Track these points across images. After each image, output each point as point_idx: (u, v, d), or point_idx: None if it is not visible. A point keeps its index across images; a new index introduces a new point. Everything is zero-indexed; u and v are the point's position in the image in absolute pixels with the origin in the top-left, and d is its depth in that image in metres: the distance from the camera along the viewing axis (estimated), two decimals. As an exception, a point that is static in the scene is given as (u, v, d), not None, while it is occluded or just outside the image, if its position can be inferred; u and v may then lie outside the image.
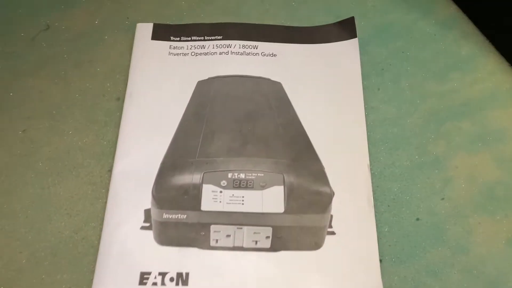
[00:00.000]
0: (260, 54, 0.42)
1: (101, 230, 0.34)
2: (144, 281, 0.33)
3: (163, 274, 0.33)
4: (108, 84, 0.41)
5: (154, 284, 0.33)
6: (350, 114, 0.39)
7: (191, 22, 0.44)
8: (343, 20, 0.43)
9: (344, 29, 0.43)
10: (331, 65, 0.41)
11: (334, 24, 0.43)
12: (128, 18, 0.44)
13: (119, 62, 0.42)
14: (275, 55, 0.42)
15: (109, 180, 0.36)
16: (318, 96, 0.40)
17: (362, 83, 0.41)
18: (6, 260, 0.34)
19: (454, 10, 0.45)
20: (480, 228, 0.35)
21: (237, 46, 0.42)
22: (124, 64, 0.42)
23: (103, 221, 0.35)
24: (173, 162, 0.37)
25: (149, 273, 0.33)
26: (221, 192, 0.36)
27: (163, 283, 0.33)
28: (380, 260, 0.34)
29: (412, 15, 0.44)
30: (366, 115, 0.39)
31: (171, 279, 0.33)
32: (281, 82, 0.41)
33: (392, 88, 0.41)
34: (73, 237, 0.35)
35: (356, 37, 0.42)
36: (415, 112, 0.40)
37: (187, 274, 0.33)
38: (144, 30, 0.43)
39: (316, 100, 0.40)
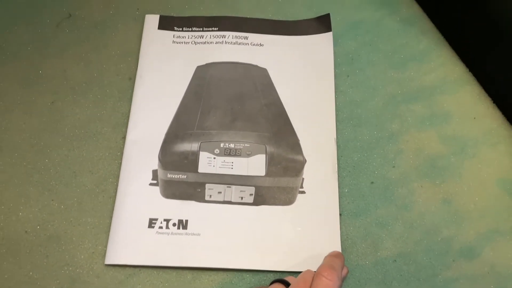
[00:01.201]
0: (249, 44, 0.49)
1: (117, 185, 0.42)
2: (152, 225, 0.41)
3: (167, 220, 0.41)
4: (121, 66, 0.48)
5: (160, 227, 0.41)
6: (322, 96, 0.47)
7: (192, 14, 0.50)
8: (320, 16, 0.50)
9: (321, 23, 0.50)
10: (309, 54, 0.49)
11: (313, 19, 0.50)
12: (138, 9, 0.51)
13: (131, 47, 0.49)
14: (262, 45, 0.49)
15: (123, 145, 0.44)
16: (297, 81, 0.47)
17: (334, 70, 0.48)
18: (41, 206, 0.42)
19: (416, 9, 0.52)
20: (421, 190, 0.43)
21: (231, 36, 0.49)
22: (135, 49, 0.48)
23: (118, 178, 0.42)
24: (175, 133, 0.44)
25: (156, 219, 0.41)
26: (214, 158, 0.43)
27: (167, 227, 0.41)
28: (340, 214, 0.42)
29: (380, 12, 0.51)
30: (336, 98, 0.47)
31: (174, 224, 0.41)
32: (267, 68, 0.48)
33: (359, 76, 0.48)
34: (94, 189, 0.42)
35: (331, 31, 0.49)
36: (377, 96, 0.47)
37: (186, 221, 0.41)
38: (152, 20, 0.50)
39: (295, 84, 0.47)
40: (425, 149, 0.45)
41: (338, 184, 0.43)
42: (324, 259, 0.37)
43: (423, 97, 0.47)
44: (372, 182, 0.44)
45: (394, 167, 0.44)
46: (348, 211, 0.42)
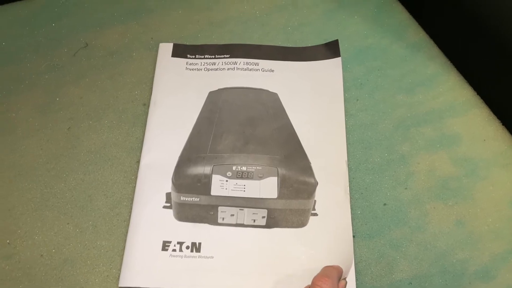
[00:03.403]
0: (260, 69, 0.50)
1: (131, 208, 0.43)
2: (166, 248, 0.41)
3: (180, 243, 0.41)
4: (136, 92, 0.49)
5: (174, 250, 0.41)
6: (332, 119, 0.47)
7: (204, 42, 0.52)
8: (329, 42, 0.52)
9: (330, 49, 0.51)
10: (318, 79, 0.50)
11: (322, 45, 0.52)
12: (152, 38, 0.53)
13: (145, 74, 0.50)
14: (272, 71, 0.50)
15: (137, 169, 0.44)
16: (307, 105, 0.48)
17: (344, 95, 0.49)
18: (56, 229, 0.42)
19: (422, 35, 0.53)
20: (434, 212, 0.43)
21: (242, 63, 0.51)
22: (149, 76, 0.50)
23: (132, 201, 0.43)
24: (188, 156, 0.45)
25: (170, 242, 0.41)
26: (227, 181, 0.44)
27: (180, 250, 0.41)
28: (354, 236, 0.42)
29: (387, 39, 0.53)
30: (346, 121, 0.48)
31: (187, 247, 0.41)
32: (277, 93, 0.49)
33: (368, 100, 0.49)
34: (109, 213, 0.43)
35: (339, 56, 0.51)
36: (386, 119, 0.48)
37: (199, 243, 0.41)
38: (165, 48, 0.52)
39: (305, 108, 0.48)
40: (437, 171, 0.45)
41: (351, 206, 0.43)
42: (321, 270, 0.38)
43: (433, 120, 0.48)
44: (385, 204, 0.44)
45: (406, 188, 0.44)
46: (362, 233, 0.42)
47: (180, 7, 0.55)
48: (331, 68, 0.50)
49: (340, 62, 0.50)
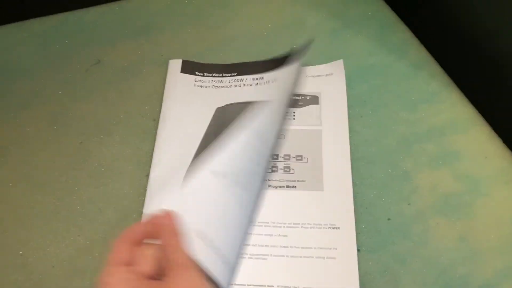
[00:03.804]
0: (265, 82, 0.52)
1: (141, 220, 0.44)
2: None
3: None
4: (146, 108, 0.51)
5: None
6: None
7: (212, 58, 0.54)
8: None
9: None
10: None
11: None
12: (162, 55, 0.54)
13: (155, 90, 0.52)
14: (276, 80, 0.52)
15: (147, 182, 0.45)
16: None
17: (348, 111, 0.50)
18: (68, 241, 0.43)
19: (424, 54, 0.55)
20: (437, 228, 0.44)
21: (248, 79, 0.52)
22: (159, 92, 0.51)
23: (142, 214, 0.44)
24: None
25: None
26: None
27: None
28: (358, 250, 0.43)
29: (390, 57, 0.54)
30: (350, 137, 0.49)
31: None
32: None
33: (372, 116, 0.50)
34: (119, 224, 0.44)
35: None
36: (389, 136, 0.49)
37: None
38: (175, 65, 0.53)
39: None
40: (439, 187, 0.46)
41: (355, 220, 0.44)
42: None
43: (435, 137, 0.49)
44: (388, 219, 0.45)
45: (409, 204, 0.45)
46: (366, 247, 0.43)
47: (189, 25, 0.57)
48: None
49: (344, 80, 0.52)
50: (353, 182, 0.46)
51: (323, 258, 0.43)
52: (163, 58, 0.54)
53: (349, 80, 0.52)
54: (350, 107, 0.51)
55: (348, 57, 0.54)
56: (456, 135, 0.49)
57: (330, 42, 0.56)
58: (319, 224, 0.44)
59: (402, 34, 0.56)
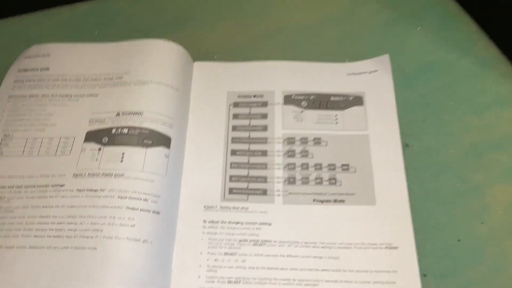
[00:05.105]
0: None
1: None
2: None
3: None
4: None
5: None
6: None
7: (252, 55, 0.49)
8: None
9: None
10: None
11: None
12: (199, 49, 0.49)
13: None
14: None
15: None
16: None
17: (407, 115, 0.44)
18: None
19: (494, 51, 0.49)
20: (515, 251, 0.39)
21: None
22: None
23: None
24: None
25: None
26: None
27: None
28: (425, 275, 0.38)
29: (453, 54, 0.49)
30: (411, 144, 0.43)
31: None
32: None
33: (435, 121, 0.45)
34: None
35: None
36: (456, 144, 0.44)
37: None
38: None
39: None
40: (517, 204, 0.41)
41: (420, 240, 0.39)
42: None
43: (509, 146, 0.44)
44: (459, 240, 0.39)
45: (482, 223, 0.40)
46: (434, 272, 0.38)
47: (228, 18, 0.53)
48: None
49: (391, 79, 0.45)
50: (416, 197, 0.41)
51: (382, 283, 0.37)
52: (200, 52, 0.49)
53: (408, 79, 0.47)
54: (410, 110, 0.45)
55: (405, 53, 0.49)
56: (533, 144, 0.44)
57: (383, 35, 0.51)
58: (374, 244, 0.39)
59: (467, 28, 0.51)
